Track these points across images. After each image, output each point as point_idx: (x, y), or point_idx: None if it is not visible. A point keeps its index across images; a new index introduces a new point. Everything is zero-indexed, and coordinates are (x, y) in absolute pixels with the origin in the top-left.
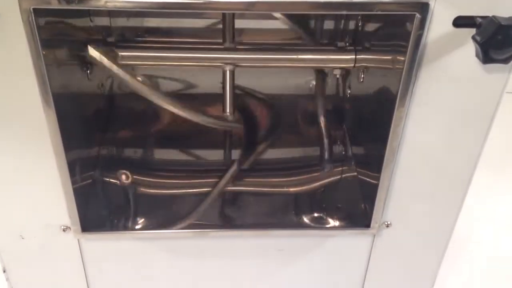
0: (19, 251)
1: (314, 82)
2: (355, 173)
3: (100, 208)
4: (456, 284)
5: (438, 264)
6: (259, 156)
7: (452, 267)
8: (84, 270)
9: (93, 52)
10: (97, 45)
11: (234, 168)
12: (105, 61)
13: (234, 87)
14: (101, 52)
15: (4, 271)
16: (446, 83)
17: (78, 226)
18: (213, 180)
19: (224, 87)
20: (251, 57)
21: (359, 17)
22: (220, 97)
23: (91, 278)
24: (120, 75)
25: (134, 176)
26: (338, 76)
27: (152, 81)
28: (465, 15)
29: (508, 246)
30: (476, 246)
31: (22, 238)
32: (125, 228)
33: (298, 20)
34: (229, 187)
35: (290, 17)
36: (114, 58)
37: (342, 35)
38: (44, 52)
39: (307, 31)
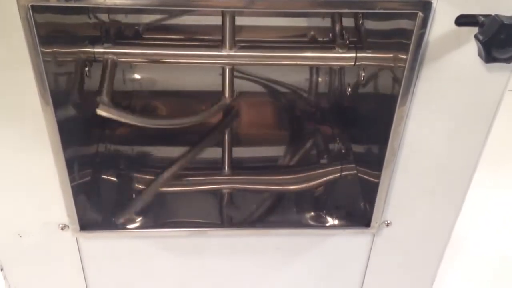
0: (17, 249)
1: (312, 79)
2: (355, 172)
3: (98, 206)
4: (454, 282)
5: (437, 263)
6: (258, 154)
7: (451, 264)
8: (83, 268)
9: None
10: (96, 42)
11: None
12: (117, 117)
13: (233, 81)
14: (110, 112)
15: (1, 270)
16: (448, 82)
17: (76, 225)
18: (212, 177)
19: (223, 82)
20: (250, 55)
21: (360, 15)
22: (219, 94)
23: (90, 276)
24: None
25: (132, 174)
26: (338, 74)
27: (150, 77)
28: (468, 13)
29: (508, 243)
30: (475, 243)
31: (20, 237)
32: (124, 226)
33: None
34: (228, 185)
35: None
36: (122, 112)
37: (342, 32)
38: (42, 49)
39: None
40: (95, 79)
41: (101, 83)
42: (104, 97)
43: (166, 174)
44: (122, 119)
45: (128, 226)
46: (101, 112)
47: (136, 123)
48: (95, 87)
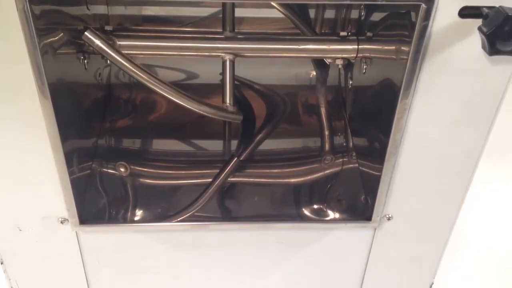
0: (17, 243)
1: (314, 73)
2: (356, 165)
3: (98, 200)
4: (455, 276)
5: (439, 257)
6: (259, 147)
7: (452, 259)
8: (83, 262)
9: (89, 37)
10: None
11: (234, 161)
12: (101, 45)
13: (234, 77)
14: (98, 37)
15: (1, 263)
16: (451, 75)
17: (76, 219)
18: (213, 171)
19: (223, 78)
20: (251, 47)
21: (362, 6)
22: (219, 88)
23: (90, 270)
24: (118, 61)
25: (132, 167)
26: (340, 66)
27: (151, 71)
28: (471, 5)
29: (507, 238)
30: (476, 237)
31: (20, 230)
32: (124, 220)
33: (299, 9)
34: (229, 178)
35: (291, 7)
36: (111, 44)
37: (344, 24)
38: (39, 42)
39: (307, 20)
40: (93, 72)
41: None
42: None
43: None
44: (109, 52)
45: (128, 220)
46: (87, 36)
47: (123, 64)
48: (94, 81)
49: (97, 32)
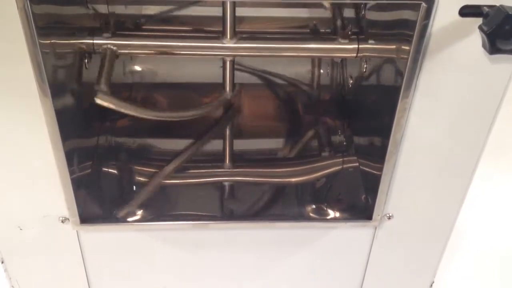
0: (18, 242)
1: (314, 71)
2: (357, 164)
3: (99, 199)
4: (455, 275)
5: (439, 257)
6: (259, 146)
7: (453, 258)
8: (83, 261)
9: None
10: (95, 34)
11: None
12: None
13: (233, 77)
14: (109, 101)
15: (2, 263)
16: (451, 74)
17: (76, 218)
18: (213, 170)
19: (224, 77)
20: (251, 46)
21: (363, 5)
22: (219, 86)
23: (90, 269)
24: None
25: (133, 166)
26: (339, 65)
27: (151, 70)
28: (472, 4)
29: (507, 238)
30: (476, 236)
31: (20, 229)
32: (125, 219)
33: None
34: (229, 177)
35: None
36: (121, 102)
37: (344, 23)
38: (40, 41)
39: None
40: (94, 71)
41: (100, 72)
42: (103, 86)
43: (168, 168)
44: (121, 109)
45: (129, 219)
46: (99, 101)
47: (135, 114)
48: (94, 79)
49: (108, 93)
